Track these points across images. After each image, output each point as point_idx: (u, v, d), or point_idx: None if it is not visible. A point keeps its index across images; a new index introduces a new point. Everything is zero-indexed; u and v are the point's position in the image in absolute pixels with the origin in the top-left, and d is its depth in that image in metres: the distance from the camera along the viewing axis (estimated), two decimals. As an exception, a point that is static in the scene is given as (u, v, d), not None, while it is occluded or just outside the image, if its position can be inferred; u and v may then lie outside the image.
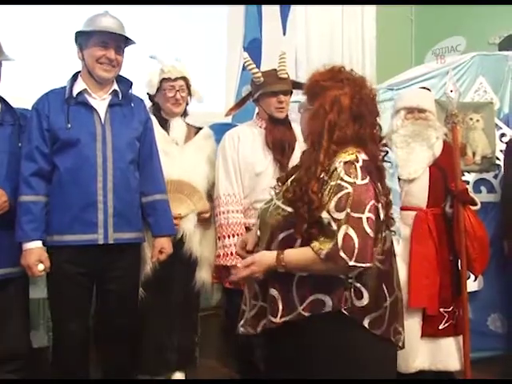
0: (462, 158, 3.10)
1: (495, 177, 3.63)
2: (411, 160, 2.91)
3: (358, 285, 1.73)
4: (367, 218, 1.65)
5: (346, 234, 1.63)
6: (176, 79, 2.90)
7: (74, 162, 2.42)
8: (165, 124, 2.92)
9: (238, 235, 2.77)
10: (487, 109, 3.63)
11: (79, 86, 2.51)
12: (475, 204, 2.98)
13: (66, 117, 2.43)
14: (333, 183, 1.68)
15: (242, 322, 1.90)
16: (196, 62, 4.23)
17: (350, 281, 1.72)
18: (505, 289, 3.50)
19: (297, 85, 3.03)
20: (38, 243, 2.40)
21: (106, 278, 2.53)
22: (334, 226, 1.65)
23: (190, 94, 3.00)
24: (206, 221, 2.94)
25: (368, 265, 1.66)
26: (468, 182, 3.47)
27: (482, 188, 3.62)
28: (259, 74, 2.83)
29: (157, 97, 2.94)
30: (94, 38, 2.46)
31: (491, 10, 4.84)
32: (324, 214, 1.67)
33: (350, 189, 1.66)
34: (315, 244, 1.67)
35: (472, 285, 3.34)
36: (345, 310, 1.71)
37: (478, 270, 3.04)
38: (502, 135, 3.68)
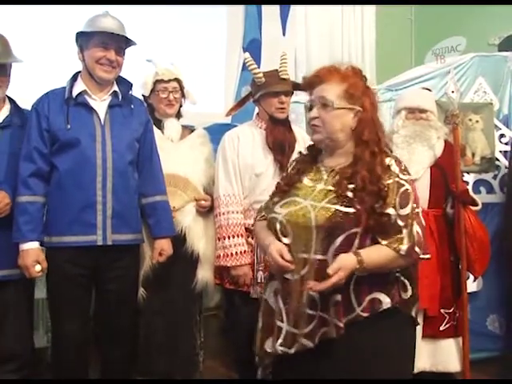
0: (461, 159, 3.09)
1: (494, 177, 3.63)
2: (412, 161, 2.90)
3: (402, 278, 1.83)
4: (421, 211, 1.81)
5: (416, 230, 1.76)
6: (169, 81, 2.92)
7: (74, 163, 2.42)
8: (159, 124, 2.93)
9: (238, 236, 2.77)
10: (486, 110, 3.63)
11: (79, 86, 2.51)
12: (476, 205, 2.98)
13: (65, 117, 2.43)
14: (390, 181, 1.77)
15: (280, 341, 1.81)
16: (195, 63, 4.24)
17: (397, 275, 1.81)
18: (504, 290, 3.50)
19: (297, 86, 3.02)
20: (35, 244, 2.40)
21: (105, 278, 2.53)
22: (401, 222, 1.74)
23: (183, 95, 3.01)
24: (207, 215, 2.93)
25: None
26: (467, 183, 3.47)
27: (482, 189, 3.62)
28: (261, 75, 2.83)
29: (151, 98, 2.96)
30: (95, 39, 2.46)
31: (491, 10, 4.84)
32: (391, 211, 1.74)
33: (407, 185, 1.78)
34: (391, 242, 1.73)
35: (471, 285, 3.35)
36: (398, 304, 1.79)
37: (478, 270, 3.05)
38: (502, 136, 3.69)
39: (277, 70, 2.85)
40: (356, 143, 1.86)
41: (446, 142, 3.03)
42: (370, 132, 1.83)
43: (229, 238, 2.77)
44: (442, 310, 2.91)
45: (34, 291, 2.67)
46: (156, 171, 2.67)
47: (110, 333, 2.61)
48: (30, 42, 3.65)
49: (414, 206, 1.78)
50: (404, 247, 1.73)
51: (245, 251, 2.78)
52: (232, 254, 2.76)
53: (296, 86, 2.96)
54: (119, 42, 2.50)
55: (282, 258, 1.78)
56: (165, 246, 2.66)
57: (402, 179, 1.79)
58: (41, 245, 2.43)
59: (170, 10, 4.36)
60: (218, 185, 2.85)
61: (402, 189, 1.77)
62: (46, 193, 2.45)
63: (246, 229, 2.82)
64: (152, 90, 2.93)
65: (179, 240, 2.79)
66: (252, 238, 2.83)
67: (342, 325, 1.72)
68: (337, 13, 5.17)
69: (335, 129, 1.84)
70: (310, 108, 1.90)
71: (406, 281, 1.84)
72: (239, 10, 4.76)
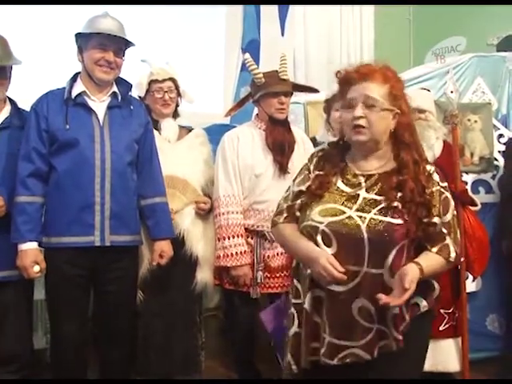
0: (460, 159, 3.10)
1: (493, 177, 3.63)
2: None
3: (432, 280, 1.87)
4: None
5: (458, 236, 1.83)
6: (164, 81, 2.91)
7: (72, 164, 2.41)
8: (156, 125, 2.92)
9: (237, 236, 2.77)
10: (485, 110, 3.64)
11: (78, 87, 2.51)
12: (475, 205, 2.99)
13: (64, 118, 2.43)
14: (434, 189, 1.79)
15: (323, 351, 1.75)
16: (194, 63, 4.24)
17: (432, 278, 1.85)
18: (503, 289, 3.50)
19: (296, 87, 3.03)
20: (34, 244, 2.40)
21: (103, 279, 2.52)
22: (444, 230, 1.78)
23: (179, 95, 3.00)
24: (206, 218, 2.93)
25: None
26: (466, 183, 3.47)
27: (480, 189, 3.62)
28: (261, 75, 2.83)
29: (146, 99, 2.95)
30: (93, 40, 2.46)
31: (490, 9, 4.84)
32: (436, 219, 1.77)
33: (447, 193, 1.82)
34: (440, 249, 1.77)
35: (470, 285, 3.35)
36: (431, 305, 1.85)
37: (477, 270, 3.05)
38: (500, 136, 3.69)
39: (276, 70, 2.86)
40: (398, 147, 1.83)
41: (444, 142, 3.04)
42: (410, 135, 1.83)
43: (229, 238, 2.78)
44: (441, 310, 2.91)
45: (34, 292, 2.66)
46: (156, 173, 2.67)
47: (108, 334, 2.60)
48: (29, 43, 3.65)
49: (455, 212, 1.83)
50: (453, 254, 1.79)
51: (245, 251, 2.78)
52: (232, 254, 2.76)
53: (295, 87, 2.97)
54: (118, 43, 2.49)
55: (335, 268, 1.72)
56: (165, 247, 2.66)
57: (442, 187, 1.82)
58: (39, 245, 2.43)
59: (169, 10, 4.36)
60: (218, 185, 2.85)
61: (443, 196, 1.80)
62: (44, 193, 2.45)
63: (245, 229, 2.82)
64: (147, 91, 2.93)
65: (178, 242, 2.78)
66: (251, 239, 2.84)
67: (401, 337, 1.73)
68: (335, 13, 5.18)
69: (381, 130, 1.80)
70: (348, 106, 1.81)
71: (433, 280, 1.88)
72: (238, 10, 4.76)
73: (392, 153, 1.85)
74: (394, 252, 1.72)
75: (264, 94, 2.82)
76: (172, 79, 2.94)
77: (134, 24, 3.43)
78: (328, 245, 1.77)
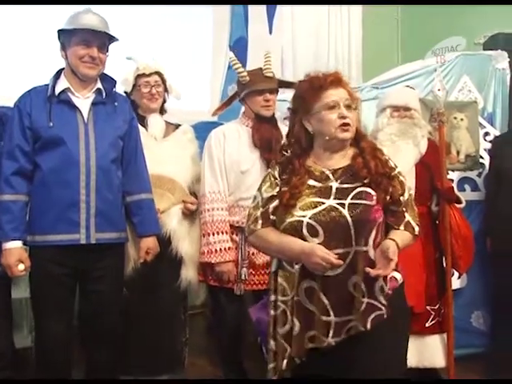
0: (446, 157, 3.11)
1: (479, 175, 3.65)
2: (397, 158, 2.90)
3: None
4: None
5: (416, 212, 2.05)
6: (150, 74, 2.91)
7: (57, 161, 2.40)
8: (142, 121, 2.91)
9: (222, 233, 2.78)
10: (471, 108, 3.65)
11: (62, 84, 2.49)
12: (460, 202, 3.00)
13: (48, 115, 2.41)
14: (393, 173, 1.98)
15: (331, 333, 1.88)
16: (182, 61, 4.23)
17: None
18: (488, 286, 3.53)
19: (283, 83, 3.03)
20: (18, 243, 2.38)
21: (89, 277, 2.51)
22: (404, 208, 1.97)
23: (166, 90, 3.00)
24: (192, 217, 2.93)
25: None
26: (452, 181, 3.49)
27: (466, 186, 3.64)
28: (245, 73, 2.83)
29: (133, 94, 2.94)
30: (76, 37, 2.44)
31: (479, 9, 4.86)
32: (400, 198, 1.97)
33: (401, 177, 2.00)
34: (405, 226, 1.97)
35: (456, 282, 3.37)
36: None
37: (463, 267, 3.07)
38: (486, 134, 3.71)
39: (261, 68, 2.86)
40: (355, 140, 2.02)
41: (429, 140, 3.05)
42: (362, 129, 2.09)
43: (213, 234, 2.78)
44: (427, 307, 2.93)
45: (11, 290, 2.64)
46: (141, 169, 2.66)
47: (94, 333, 2.58)
48: (12, 40, 3.62)
49: (411, 192, 2.04)
50: (417, 228, 1.99)
51: (229, 248, 2.78)
52: (216, 250, 2.77)
53: (282, 84, 2.97)
54: (102, 39, 2.48)
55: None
56: (151, 244, 2.65)
57: (398, 172, 2.01)
58: (24, 244, 2.41)
59: (156, 9, 4.33)
60: (204, 182, 2.86)
61: (400, 179, 2.00)
62: (28, 191, 2.43)
63: (230, 226, 2.83)
64: (134, 86, 2.92)
65: (164, 241, 2.79)
66: (236, 235, 2.84)
67: (386, 303, 1.89)
68: (323, 11, 5.18)
69: (355, 128, 2.01)
70: (332, 107, 1.95)
71: None
72: (226, 8, 4.75)
73: (351, 149, 2.03)
74: (374, 230, 1.90)
75: (249, 92, 2.83)
76: (158, 73, 2.94)
77: (121, 22, 3.44)
78: (315, 235, 1.89)
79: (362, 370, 1.88)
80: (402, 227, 1.96)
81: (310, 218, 1.89)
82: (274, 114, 2.90)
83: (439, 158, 2.96)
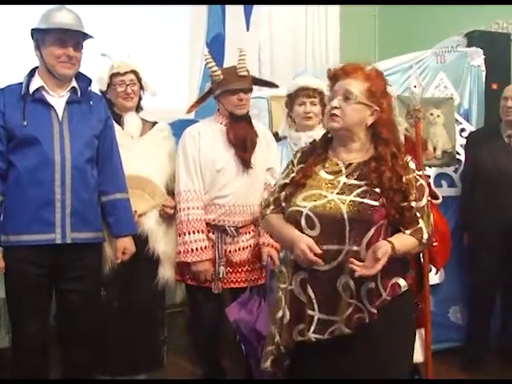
0: (423, 153, 3.14)
1: (455, 171, 3.70)
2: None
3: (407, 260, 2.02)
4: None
5: (431, 220, 1.96)
6: (125, 73, 2.89)
7: (31, 161, 2.37)
8: (119, 119, 2.89)
9: (198, 232, 2.76)
10: (447, 104, 3.68)
11: (36, 82, 2.45)
12: (437, 198, 3.03)
13: (22, 114, 2.38)
14: (410, 176, 1.93)
15: (313, 328, 1.88)
16: (158, 58, 4.20)
17: (408, 260, 2.01)
18: (465, 281, 3.57)
19: (258, 81, 3.02)
20: None
21: (66, 278, 2.48)
22: (418, 214, 1.90)
23: (141, 87, 2.98)
24: (169, 217, 2.91)
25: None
26: (429, 177, 3.52)
27: (443, 182, 3.69)
28: (219, 72, 2.82)
29: (108, 93, 2.92)
30: (51, 36, 2.40)
31: (454, 8, 4.90)
32: (413, 204, 1.89)
33: (421, 181, 1.96)
34: (414, 231, 1.89)
35: (433, 278, 3.40)
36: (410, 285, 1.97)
37: (440, 263, 3.10)
38: (462, 130, 3.75)
39: (235, 66, 2.84)
40: (376, 142, 1.98)
41: (406, 136, 3.07)
42: (389, 132, 1.97)
43: (189, 233, 2.76)
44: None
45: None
46: (116, 168, 2.64)
47: (71, 333, 2.56)
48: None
49: (429, 198, 1.98)
50: (426, 236, 1.91)
51: (205, 247, 2.77)
52: (192, 249, 2.75)
53: (257, 81, 2.96)
54: (77, 37, 2.44)
55: (311, 251, 1.85)
56: (127, 244, 2.63)
57: (417, 175, 1.96)
58: (-2, 243, 2.38)
59: (132, 6, 4.29)
60: (179, 181, 2.83)
61: (418, 183, 1.94)
62: (3, 191, 2.40)
63: (206, 224, 2.81)
64: (109, 85, 2.89)
65: (141, 241, 2.77)
66: (213, 234, 2.83)
67: (375, 311, 1.85)
68: (301, 9, 5.18)
69: (353, 121, 1.94)
70: (331, 98, 1.99)
71: (409, 263, 2.03)
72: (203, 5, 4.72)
73: (371, 146, 2.00)
74: (372, 231, 1.86)
75: (223, 91, 2.81)
76: (134, 72, 2.92)
77: (97, 19, 3.40)
78: (311, 227, 1.90)
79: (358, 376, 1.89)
80: (408, 231, 1.90)
81: (309, 210, 1.90)
82: (248, 112, 2.88)
83: (416, 154, 2.98)
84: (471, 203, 3.44)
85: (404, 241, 1.88)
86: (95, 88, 2.79)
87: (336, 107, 1.93)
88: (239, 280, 2.85)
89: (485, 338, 3.47)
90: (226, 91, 2.80)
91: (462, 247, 3.51)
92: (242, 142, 2.80)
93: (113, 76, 2.88)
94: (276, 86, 3.08)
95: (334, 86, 1.99)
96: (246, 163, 2.79)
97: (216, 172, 2.80)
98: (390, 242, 1.83)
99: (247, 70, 2.83)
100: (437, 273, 3.41)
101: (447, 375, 3.19)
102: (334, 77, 2.00)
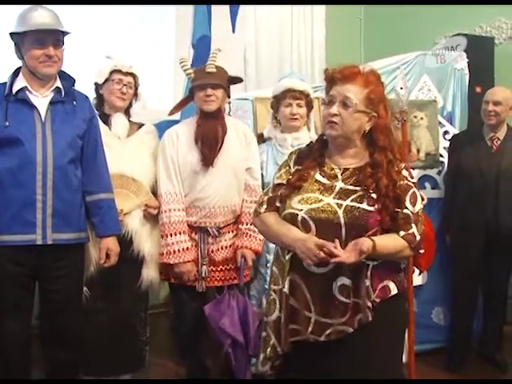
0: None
1: (439, 173, 3.72)
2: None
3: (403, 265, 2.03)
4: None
5: (422, 227, 1.93)
6: (126, 74, 2.91)
7: (13, 161, 2.36)
8: (106, 120, 2.89)
9: (180, 233, 2.78)
10: (431, 107, 3.72)
11: (19, 83, 2.44)
12: (422, 200, 3.04)
13: (3, 114, 2.37)
14: (402, 182, 1.91)
15: (310, 329, 1.89)
16: (144, 59, 4.18)
17: (403, 265, 2.01)
18: (448, 283, 3.60)
19: (235, 79, 3.01)
20: None
21: (48, 278, 2.48)
22: (411, 219, 1.89)
23: (135, 94, 3.00)
24: (153, 218, 2.92)
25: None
26: (412, 178, 3.54)
27: (426, 184, 3.71)
28: (190, 71, 2.86)
29: (103, 88, 2.92)
30: (30, 37, 2.39)
31: (437, 10, 4.93)
32: (406, 210, 1.89)
33: (414, 188, 1.94)
34: (405, 235, 1.87)
35: (417, 279, 3.42)
36: (401, 291, 1.97)
37: (424, 265, 3.12)
38: (445, 133, 3.78)
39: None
40: (373, 148, 1.96)
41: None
42: (386, 138, 1.95)
43: (171, 235, 2.77)
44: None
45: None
46: (101, 169, 2.63)
47: (54, 333, 2.55)
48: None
49: (422, 206, 1.95)
50: (415, 240, 1.89)
51: (187, 248, 2.78)
52: (175, 251, 2.76)
53: (233, 80, 2.96)
54: (56, 35, 2.43)
55: (320, 248, 1.81)
56: (110, 244, 2.62)
57: (410, 181, 1.95)
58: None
59: (118, 6, 4.28)
60: (160, 183, 2.85)
61: (411, 191, 1.93)
62: None
63: (188, 225, 2.82)
64: (107, 80, 2.90)
65: (125, 242, 2.77)
66: (196, 234, 2.83)
67: (371, 306, 1.86)
68: (286, 10, 5.19)
69: (352, 129, 1.93)
70: (327, 103, 1.94)
71: (402, 266, 2.02)
72: (188, 5, 4.71)
73: (367, 151, 1.99)
74: (367, 234, 1.85)
75: (192, 88, 2.84)
76: (133, 76, 2.95)
77: (83, 20, 3.38)
78: (307, 231, 1.90)
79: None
80: (398, 234, 1.88)
81: (305, 213, 1.90)
82: (219, 109, 2.87)
83: (402, 156, 2.99)
84: (454, 205, 3.47)
85: (387, 240, 1.86)
86: (88, 83, 2.79)
87: (335, 114, 1.90)
88: (223, 278, 2.88)
89: (467, 338, 3.50)
90: (195, 88, 2.82)
91: (444, 249, 3.54)
92: (207, 140, 2.79)
93: (113, 72, 2.89)
94: (241, 81, 3.08)
95: (332, 90, 1.95)
96: (207, 161, 2.78)
97: (194, 174, 2.80)
98: (371, 239, 1.82)
99: (216, 67, 2.83)
100: (420, 274, 3.44)
101: (430, 376, 3.22)
102: (332, 80, 1.95)
